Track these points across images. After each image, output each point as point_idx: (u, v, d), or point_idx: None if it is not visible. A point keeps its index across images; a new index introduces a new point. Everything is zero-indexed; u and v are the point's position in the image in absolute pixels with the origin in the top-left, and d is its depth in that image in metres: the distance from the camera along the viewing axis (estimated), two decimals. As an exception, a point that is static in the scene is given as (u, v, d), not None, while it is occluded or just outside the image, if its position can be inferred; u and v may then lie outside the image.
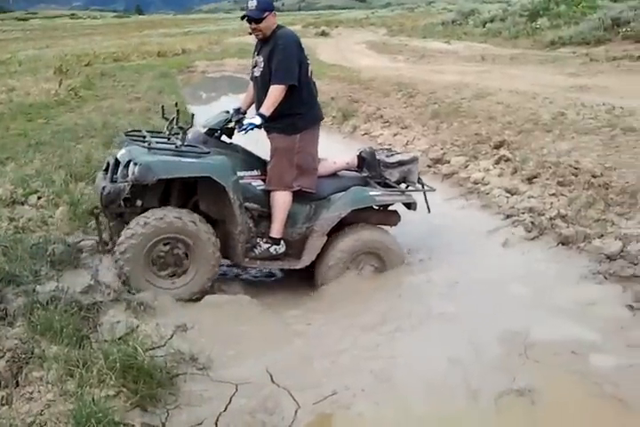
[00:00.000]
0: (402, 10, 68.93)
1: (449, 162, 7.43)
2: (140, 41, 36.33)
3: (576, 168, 6.02)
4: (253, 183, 4.45)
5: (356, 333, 3.89)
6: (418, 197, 4.90)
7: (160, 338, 3.54)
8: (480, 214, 5.99)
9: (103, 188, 4.16)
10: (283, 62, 4.24)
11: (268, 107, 4.20)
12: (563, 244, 4.98)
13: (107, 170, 4.42)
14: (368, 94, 11.93)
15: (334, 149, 9.00)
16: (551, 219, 5.33)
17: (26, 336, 3.37)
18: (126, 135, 4.62)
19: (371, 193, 4.60)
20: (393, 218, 4.87)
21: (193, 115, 4.50)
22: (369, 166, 4.80)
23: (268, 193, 4.44)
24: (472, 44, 21.58)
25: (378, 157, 4.81)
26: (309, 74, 4.48)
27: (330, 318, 4.10)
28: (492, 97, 9.68)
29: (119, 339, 3.44)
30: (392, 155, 4.90)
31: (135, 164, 3.98)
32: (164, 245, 4.07)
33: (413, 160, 4.85)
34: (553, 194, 5.82)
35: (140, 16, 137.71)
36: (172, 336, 3.61)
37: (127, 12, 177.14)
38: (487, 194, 6.32)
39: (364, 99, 11.59)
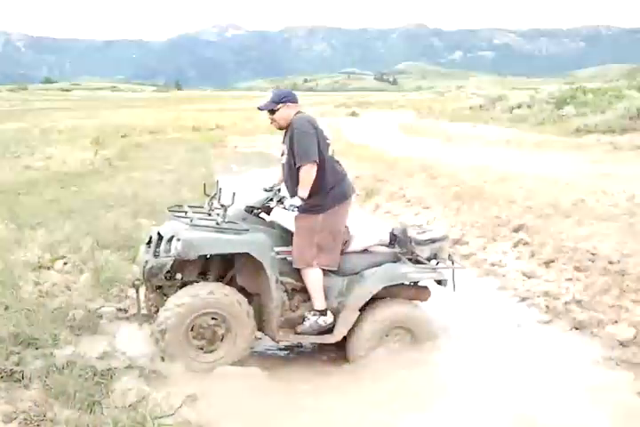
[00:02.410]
0: (432, 93, 70.88)
1: (468, 243, 7.53)
2: (177, 115, 37.71)
3: (593, 254, 6.08)
4: (289, 258, 4.52)
5: (365, 409, 3.89)
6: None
7: (169, 407, 3.59)
8: (496, 296, 6.01)
9: (146, 262, 4.32)
10: (301, 143, 4.39)
11: (303, 188, 4.35)
12: (577, 328, 5.00)
13: (149, 243, 4.59)
14: (392, 174, 12.21)
15: (357, 228, 9.21)
16: (566, 303, 5.37)
17: (40, 399, 3.46)
18: (169, 211, 4.77)
19: (403, 270, 4.64)
20: (424, 293, 4.91)
21: (234, 193, 4.54)
22: (400, 243, 4.86)
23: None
24: (498, 128, 22.06)
25: (409, 235, 4.88)
26: (331, 152, 4.59)
27: (339, 394, 4.10)
28: (514, 181, 9.88)
29: (129, 406, 3.51)
30: (424, 232, 4.94)
31: (178, 239, 4.14)
32: (202, 320, 4.16)
33: (444, 238, 4.91)
34: (569, 279, 5.87)
35: (179, 91, 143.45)
36: (181, 406, 3.64)
37: (167, 86, 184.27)
38: (504, 276, 6.38)
39: (388, 178, 11.85)
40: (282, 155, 4.63)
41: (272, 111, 4.48)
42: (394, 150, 15.71)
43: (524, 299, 5.77)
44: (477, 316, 5.54)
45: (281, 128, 4.56)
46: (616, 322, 4.83)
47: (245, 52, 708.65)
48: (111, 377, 3.85)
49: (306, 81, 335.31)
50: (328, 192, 4.47)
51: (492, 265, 6.70)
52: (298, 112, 4.55)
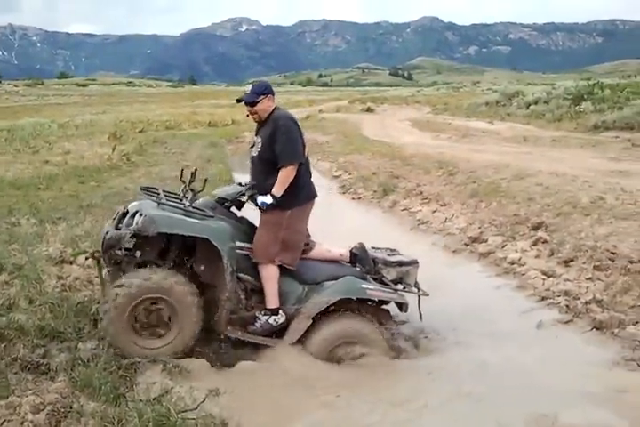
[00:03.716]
0: (447, 89, 70.58)
1: (486, 241, 7.49)
2: (192, 110, 37.81)
3: (613, 253, 6.05)
4: (251, 256, 4.55)
5: (384, 407, 3.91)
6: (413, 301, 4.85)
7: (193, 401, 3.64)
8: (515, 295, 6.00)
9: (106, 233, 4.32)
10: (289, 143, 4.42)
11: (279, 188, 4.37)
12: (597, 328, 4.96)
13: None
14: (409, 170, 12.19)
15: (373, 224, 9.23)
16: (586, 303, 5.34)
17: (66, 391, 3.52)
18: (141, 189, 4.80)
19: (363, 285, 4.62)
20: (384, 316, 4.83)
21: (206, 179, 4.66)
22: (360, 261, 4.88)
23: None
24: (515, 124, 21.95)
25: (375, 254, 4.90)
26: (306, 154, 4.63)
27: (358, 392, 4.12)
28: (532, 178, 9.82)
29: (154, 399, 3.57)
30: (394, 254, 4.99)
31: (141, 215, 4.18)
32: (149, 305, 4.14)
33: (413, 263, 4.90)
34: (589, 278, 5.84)
35: (194, 86, 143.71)
36: (204, 400, 3.70)
37: (181, 81, 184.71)
38: (523, 275, 6.35)
39: (404, 175, 11.84)
40: (252, 146, 4.65)
41: (253, 103, 4.46)
42: (410, 147, 15.67)
43: (543, 298, 5.74)
44: (495, 315, 5.54)
45: (260, 121, 4.56)
46: (637, 322, 4.80)
47: (259, 46, 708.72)
48: (135, 371, 3.92)
49: (320, 76, 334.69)
50: (299, 191, 4.50)
51: (511, 264, 6.67)
52: (276, 107, 4.57)
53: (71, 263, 5.96)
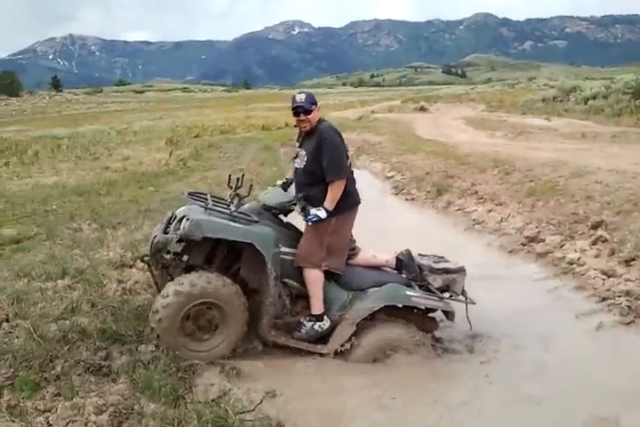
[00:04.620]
0: (502, 86, 69.38)
1: (544, 241, 7.34)
2: (246, 114, 38.25)
3: (677, 252, 5.85)
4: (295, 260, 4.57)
5: (441, 410, 3.89)
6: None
7: (250, 402, 3.71)
8: (574, 296, 5.86)
9: (155, 236, 4.40)
10: (336, 159, 4.43)
11: (331, 202, 4.40)
12: (660, 330, 4.81)
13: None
14: (463, 170, 12.03)
15: (427, 225, 9.16)
16: (649, 304, 5.18)
17: (127, 393, 3.64)
18: (189, 194, 4.84)
19: (407, 292, 4.59)
20: (429, 324, 4.81)
21: (251, 186, 4.72)
22: (406, 268, 4.87)
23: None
24: (572, 120, 21.41)
25: (421, 261, 4.86)
26: (349, 161, 4.63)
27: (415, 394, 4.11)
28: (591, 176, 9.58)
29: (212, 401, 3.64)
30: (440, 262, 4.93)
31: (188, 219, 4.23)
32: (198, 309, 4.20)
33: (460, 270, 4.82)
34: (652, 278, 5.66)
35: (248, 90, 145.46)
36: (261, 401, 3.76)
37: (235, 86, 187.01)
38: (582, 275, 6.19)
39: (459, 174, 11.69)
40: (295, 157, 4.65)
41: (309, 112, 4.45)
42: (464, 145, 15.47)
43: (603, 299, 5.59)
44: (555, 316, 5.43)
45: (308, 131, 4.54)
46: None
47: (311, 49, 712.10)
48: (193, 373, 4.00)
49: (372, 76, 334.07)
50: (344, 198, 4.49)
51: (570, 264, 6.52)
52: (320, 118, 4.56)
53: (131, 267, 6.12)
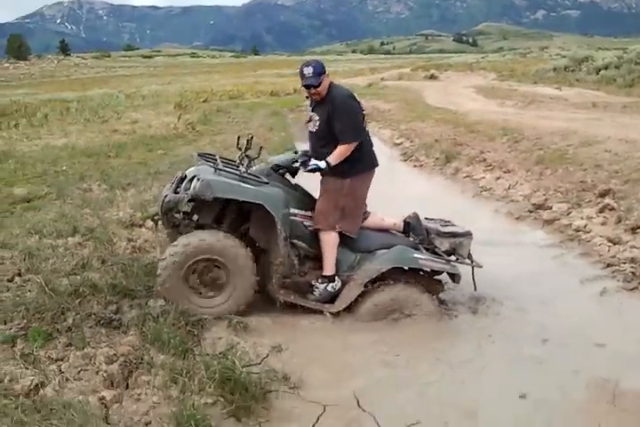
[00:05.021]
0: (514, 55, 68.41)
1: (551, 208, 7.35)
2: (255, 80, 38.01)
3: (684, 220, 5.86)
4: (305, 223, 4.63)
5: (443, 368, 3.97)
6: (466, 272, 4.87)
7: (256, 356, 3.81)
8: (579, 262, 5.91)
9: (165, 196, 4.45)
10: (350, 122, 4.45)
11: (335, 159, 4.42)
12: (663, 295, 4.86)
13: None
14: (472, 138, 11.99)
15: (435, 191, 9.18)
16: (653, 270, 5.22)
17: (137, 344, 3.74)
18: (199, 155, 4.89)
19: (414, 255, 4.65)
20: (435, 286, 4.86)
21: (261, 147, 4.76)
22: (414, 231, 4.91)
23: (316, 234, 4.60)
24: (584, 90, 21.19)
25: (428, 225, 4.92)
26: (365, 124, 4.66)
27: (418, 351, 4.19)
28: (600, 145, 9.54)
29: (220, 353, 3.73)
30: (447, 225, 4.98)
31: (198, 179, 4.28)
32: (204, 265, 4.27)
33: (466, 234, 4.87)
34: (657, 245, 5.69)
35: (256, 56, 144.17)
36: (267, 355, 3.86)
37: (244, 52, 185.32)
38: (588, 242, 6.23)
39: (468, 142, 11.65)
40: (309, 121, 4.65)
41: (318, 85, 4.43)
42: (474, 114, 15.37)
43: (608, 265, 5.63)
44: (559, 281, 5.48)
45: (321, 99, 4.52)
46: None
47: (321, 15, 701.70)
48: (202, 327, 4.09)
49: (383, 44, 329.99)
50: (358, 160, 4.53)
51: (576, 231, 6.55)
52: (331, 83, 4.54)
53: (140, 226, 6.21)
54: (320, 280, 4.59)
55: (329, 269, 4.58)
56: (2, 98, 24.81)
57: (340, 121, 4.42)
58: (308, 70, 4.40)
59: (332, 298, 4.60)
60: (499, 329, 4.55)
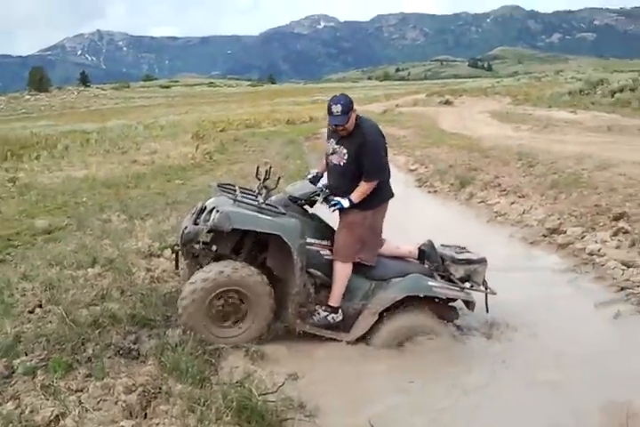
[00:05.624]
0: (528, 79, 68.56)
1: (565, 232, 7.37)
2: (271, 109, 38.45)
3: (698, 243, 5.86)
4: (322, 252, 4.67)
5: (458, 393, 3.99)
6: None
7: (273, 384, 3.85)
8: (593, 286, 5.91)
9: (185, 227, 4.54)
10: (377, 162, 4.50)
11: (358, 197, 4.48)
12: (678, 319, 4.84)
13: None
14: (487, 163, 12.05)
15: (449, 217, 9.22)
16: (668, 293, 5.21)
17: (156, 374, 3.79)
18: (218, 186, 4.94)
19: (429, 283, 4.67)
20: (450, 313, 4.87)
21: (279, 178, 4.85)
22: (429, 258, 4.96)
23: (332, 263, 4.64)
24: (599, 113, 21.22)
25: (444, 252, 4.97)
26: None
27: (432, 378, 4.21)
28: (615, 168, 9.57)
29: (237, 382, 3.78)
30: (462, 252, 5.01)
31: (217, 211, 4.37)
32: (225, 296, 4.33)
33: (481, 261, 4.91)
34: (672, 269, 5.68)
35: (273, 85, 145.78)
36: (283, 384, 3.90)
37: (261, 80, 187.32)
38: (602, 266, 6.23)
39: (482, 167, 11.71)
40: (331, 153, 4.64)
41: (346, 123, 4.42)
42: (489, 139, 15.46)
43: (622, 289, 5.64)
44: (574, 305, 5.49)
45: (347, 133, 4.51)
46: None
47: (337, 43, 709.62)
48: (219, 356, 4.16)
49: (398, 70, 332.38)
50: (379, 193, 4.58)
51: (590, 254, 6.55)
52: (358, 116, 4.53)
53: (159, 257, 6.31)
54: (324, 308, 4.62)
55: (335, 300, 4.62)
56: (23, 130, 25.37)
57: (369, 159, 4.45)
58: (337, 108, 4.35)
59: (348, 327, 4.64)
60: (513, 355, 4.56)
